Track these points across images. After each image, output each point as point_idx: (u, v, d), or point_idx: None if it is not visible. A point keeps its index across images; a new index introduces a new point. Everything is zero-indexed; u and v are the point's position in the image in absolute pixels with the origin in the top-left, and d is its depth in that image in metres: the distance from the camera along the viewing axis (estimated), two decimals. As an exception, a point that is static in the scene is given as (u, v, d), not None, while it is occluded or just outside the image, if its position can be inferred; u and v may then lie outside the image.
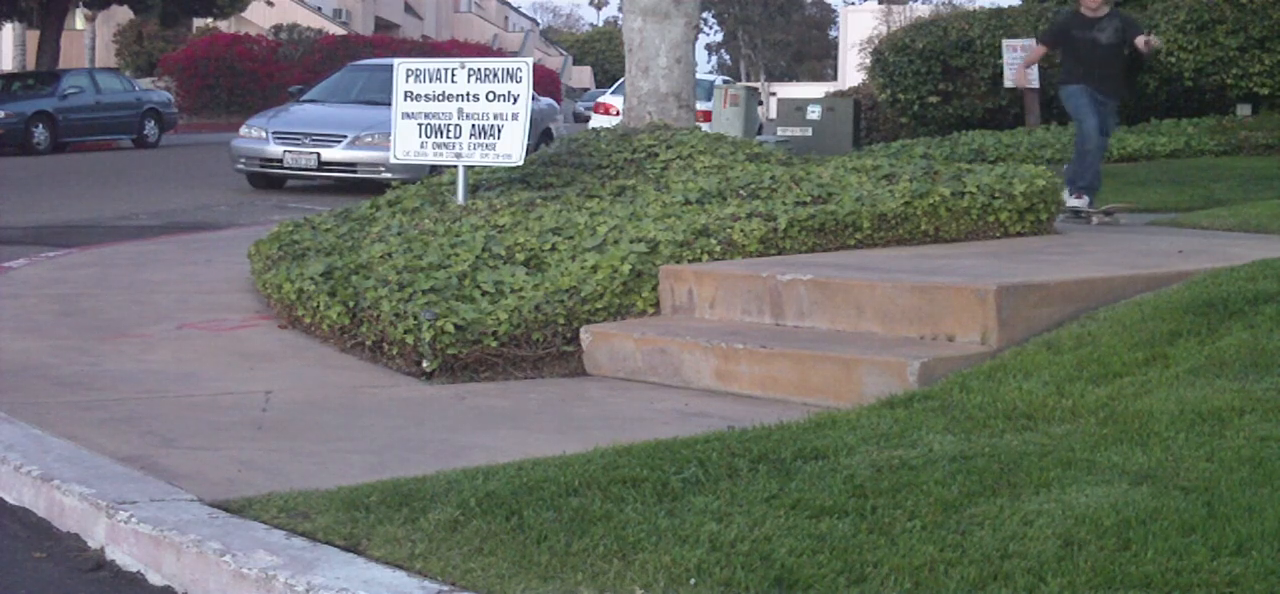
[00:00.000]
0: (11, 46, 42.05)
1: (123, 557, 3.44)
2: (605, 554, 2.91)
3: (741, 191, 7.24)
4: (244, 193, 15.86)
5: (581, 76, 70.18)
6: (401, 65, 8.34)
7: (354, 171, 15.47)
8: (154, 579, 3.33)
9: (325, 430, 4.54)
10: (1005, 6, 21.02)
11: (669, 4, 9.42)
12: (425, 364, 5.46)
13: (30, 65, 36.02)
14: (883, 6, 39.77)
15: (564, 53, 72.69)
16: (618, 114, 17.60)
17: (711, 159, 8.33)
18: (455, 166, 8.00)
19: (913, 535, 2.95)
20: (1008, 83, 17.37)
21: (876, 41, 22.02)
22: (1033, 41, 17.18)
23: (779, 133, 20.95)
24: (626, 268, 6.09)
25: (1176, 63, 17.68)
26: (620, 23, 13.20)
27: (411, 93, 8.17)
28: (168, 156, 24.18)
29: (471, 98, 8.00)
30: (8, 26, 40.04)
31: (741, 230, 6.47)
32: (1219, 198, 10.31)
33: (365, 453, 4.19)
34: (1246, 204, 9.33)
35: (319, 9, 53.25)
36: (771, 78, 66.54)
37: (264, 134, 16.13)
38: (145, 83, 34.51)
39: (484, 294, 5.93)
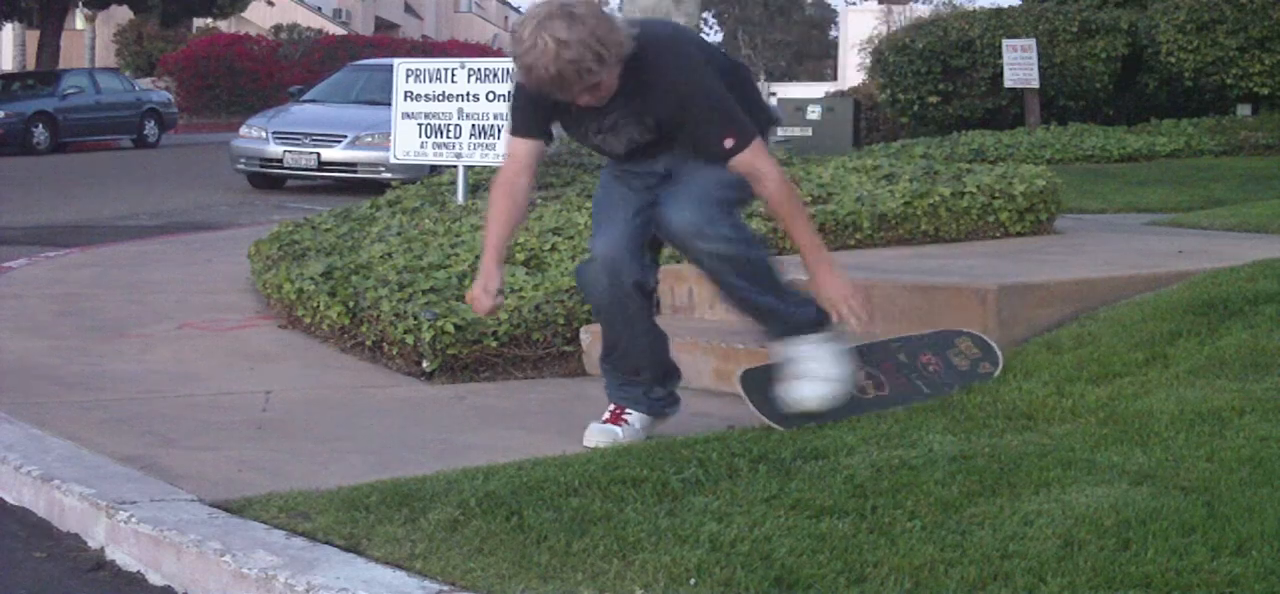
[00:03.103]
0: (11, 46, 42.06)
1: (123, 557, 3.44)
2: (605, 554, 2.91)
3: (741, 191, 7.23)
4: (244, 193, 15.86)
5: (581, 76, 70.04)
6: (401, 65, 8.35)
7: (354, 171, 15.48)
8: (154, 579, 3.33)
9: (325, 430, 4.54)
10: (1005, 6, 21.01)
11: (669, 4, 9.42)
12: (425, 364, 5.46)
13: (30, 65, 36.03)
14: (883, 6, 39.77)
15: (564, 53, 72.55)
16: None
17: (711, 159, 8.32)
18: (455, 166, 8.00)
19: (913, 535, 2.94)
20: (1008, 83, 17.37)
21: (876, 41, 22.02)
22: (1033, 41, 17.21)
23: (779, 133, 20.94)
24: (626, 268, 6.08)
25: (1176, 63, 17.67)
26: (620, 23, 13.21)
27: (411, 93, 8.18)
28: (168, 156, 24.18)
29: (471, 98, 8.01)
30: (8, 26, 40.05)
31: (741, 230, 6.46)
32: (1219, 198, 10.30)
33: (365, 453, 4.19)
34: (1246, 204, 9.33)
35: (319, 9, 53.23)
36: (771, 78, 66.50)
37: (264, 134, 16.13)
38: (145, 83, 34.52)
39: (484, 294, 5.92)
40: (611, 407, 4.28)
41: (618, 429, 4.19)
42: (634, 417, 4.24)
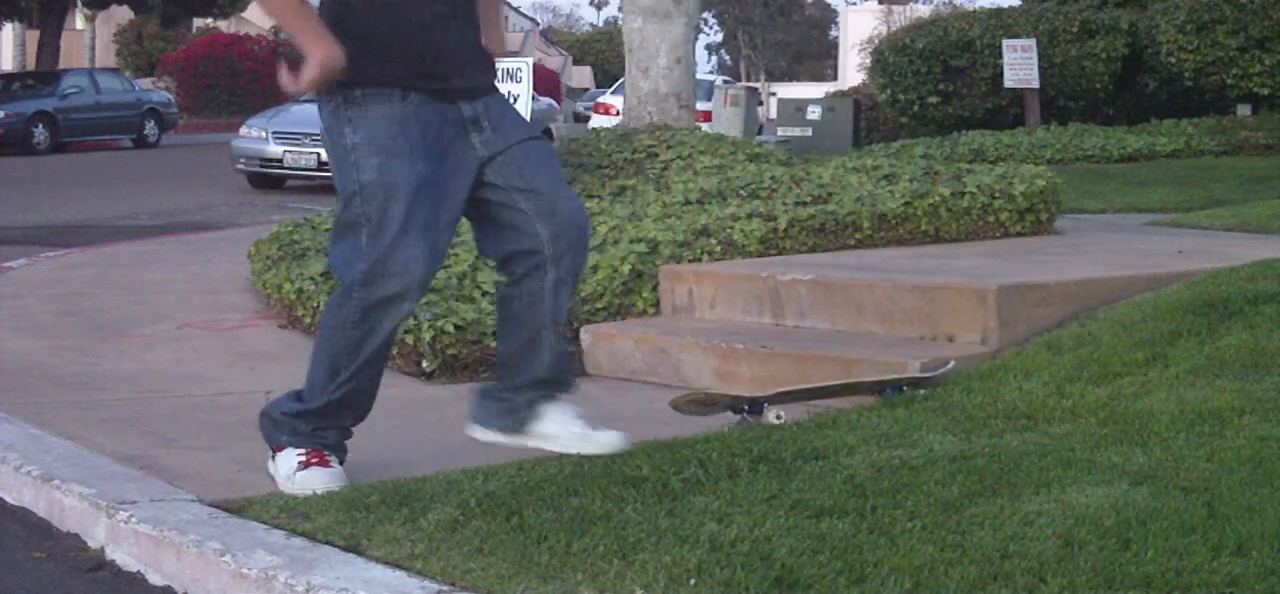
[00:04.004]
0: (11, 46, 42.07)
1: (123, 557, 3.44)
2: (605, 554, 2.91)
3: (741, 191, 7.23)
4: (244, 193, 15.87)
5: (581, 76, 70.12)
6: (401, 65, 8.34)
7: (354, 171, 15.46)
8: (154, 579, 3.33)
9: (325, 430, 4.52)
10: (1005, 6, 21.03)
11: (669, 4, 9.42)
12: (425, 364, 5.46)
13: (30, 65, 36.04)
14: (883, 6, 39.79)
15: (564, 53, 72.64)
16: (618, 114, 17.60)
17: (711, 159, 8.32)
18: (455, 166, 8.01)
19: (913, 535, 2.94)
20: (1008, 83, 17.37)
21: (876, 41, 22.02)
22: (1033, 41, 17.21)
23: (779, 133, 20.97)
24: (626, 268, 6.09)
25: (1176, 63, 17.68)
26: (620, 23, 13.27)
27: (411, 93, 8.17)
28: (168, 156, 24.20)
29: (471, 98, 8.00)
30: (8, 26, 40.06)
31: (741, 230, 6.47)
32: (1219, 198, 10.30)
33: (365, 453, 4.18)
34: (1246, 204, 9.33)
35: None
36: (771, 78, 66.53)
37: (264, 134, 16.15)
38: (145, 83, 34.54)
39: (484, 294, 5.93)
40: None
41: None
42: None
